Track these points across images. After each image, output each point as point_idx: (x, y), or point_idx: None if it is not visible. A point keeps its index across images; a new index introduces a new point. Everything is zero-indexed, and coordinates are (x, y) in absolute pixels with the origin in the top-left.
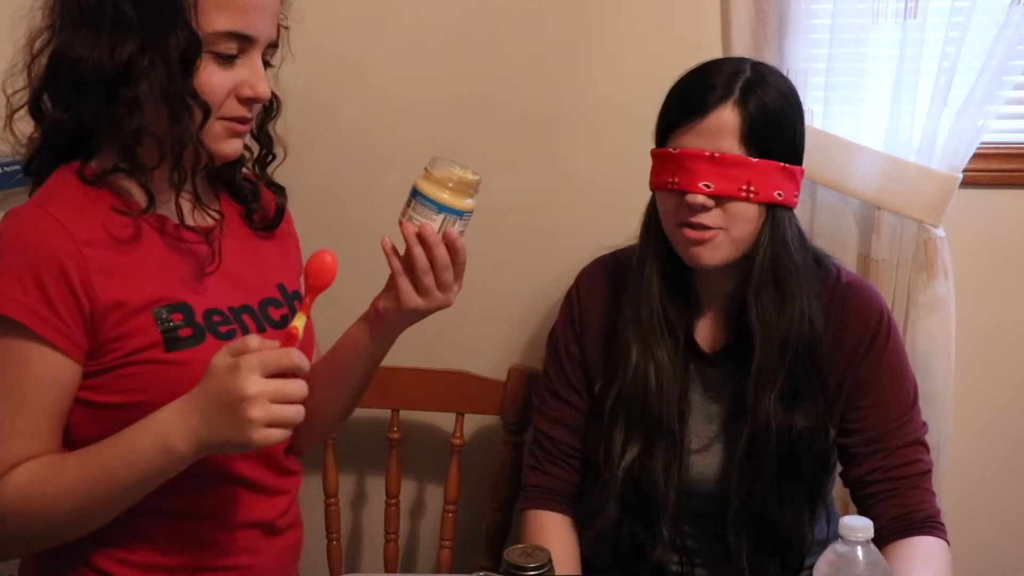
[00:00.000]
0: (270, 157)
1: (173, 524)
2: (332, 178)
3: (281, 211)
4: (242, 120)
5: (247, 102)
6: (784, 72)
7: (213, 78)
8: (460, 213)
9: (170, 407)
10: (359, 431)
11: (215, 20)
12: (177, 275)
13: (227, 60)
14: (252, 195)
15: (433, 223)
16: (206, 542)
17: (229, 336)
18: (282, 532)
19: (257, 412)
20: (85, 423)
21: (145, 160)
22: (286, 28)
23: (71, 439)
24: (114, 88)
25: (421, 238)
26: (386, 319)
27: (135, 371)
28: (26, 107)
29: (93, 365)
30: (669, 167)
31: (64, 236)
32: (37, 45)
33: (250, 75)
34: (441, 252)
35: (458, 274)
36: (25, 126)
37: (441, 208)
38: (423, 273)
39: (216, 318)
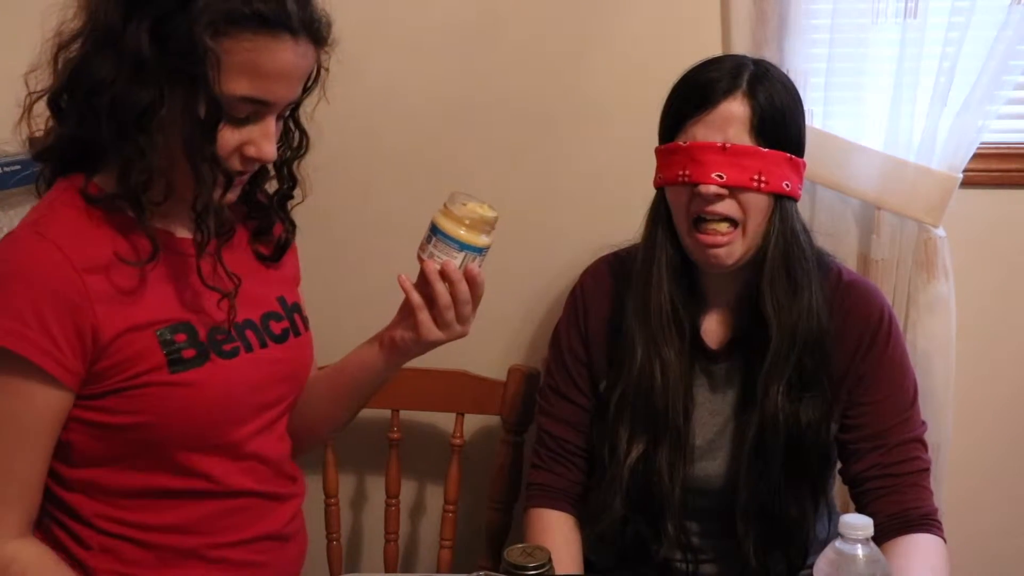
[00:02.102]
0: (291, 195)
1: (181, 539)
2: (330, 178)
3: (285, 247)
4: (239, 174)
5: (249, 161)
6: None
7: (221, 137)
8: (480, 250)
9: None
10: (359, 431)
11: (235, 84)
12: (180, 293)
13: (239, 121)
14: (265, 221)
15: (455, 260)
16: (216, 558)
17: (232, 354)
18: (289, 539)
19: None
20: (88, 441)
21: (150, 197)
22: (326, 70)
23: (73, 458)
24: (128, 128)
25: (444, 275)
26: (402, 348)
27: (139, 393)
28: (46, 100)
29: (97, 387)
30: (679, 160)
31: (67, 267)
32: (66, 40)
33: (259, 136)
34: (463, 288)
35: (475, 306)
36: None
37: (463, 246)
38: (445, 309)
39: (219, 336)
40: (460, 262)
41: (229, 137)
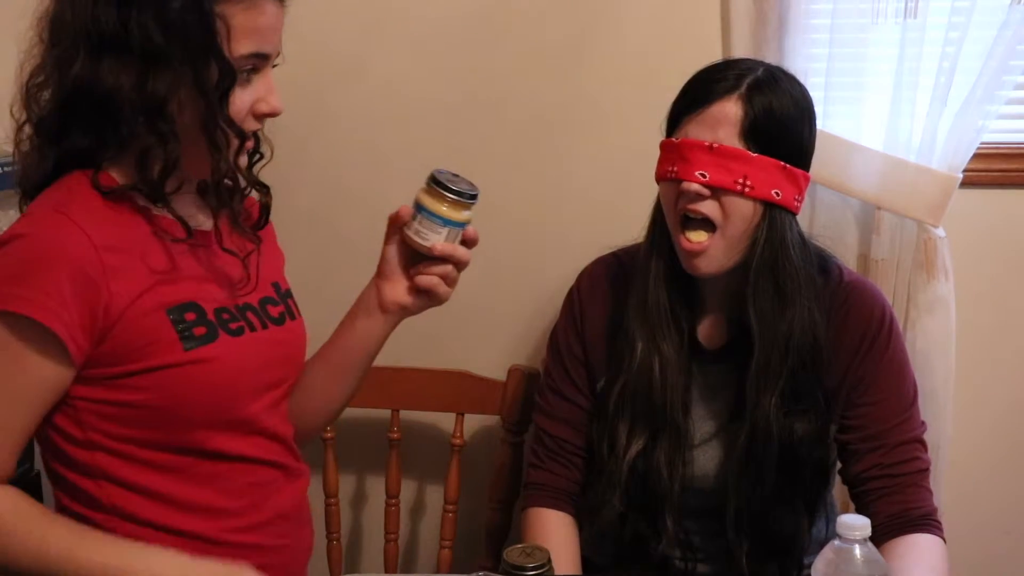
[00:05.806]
0: (257, 156)
1: (203, 524)
2: (331, 179)
3: (267, 211)
4: (254, 134)
5: (261, 118)
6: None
7: (236, 101)
8: (462, 224)
9: (167, 555)
10: (359, 431)
11: (240, 44)
12: (186, 277)
13: (246, 80)
14: (238, 198)
15: (439, 235)
16: (237, 543)
17: (238, 333)
18: (303, 524)
19: None
20: (106, 425)
21: (168, 188)
22: None
23: (78, 438)
24: (151, 120)
25: (435, 252)
26: (412, 310)
27: (157, 374)
28: (34, 130)
29: (114, 369)
30: (671, 156)
31: (87, 243)
32: (35, 68)
33: (265, 91)
34: (460, 254)
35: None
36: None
37: (446, 222)
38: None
39: (225, 315)
40: (444, 237)
41: (242, 99)
